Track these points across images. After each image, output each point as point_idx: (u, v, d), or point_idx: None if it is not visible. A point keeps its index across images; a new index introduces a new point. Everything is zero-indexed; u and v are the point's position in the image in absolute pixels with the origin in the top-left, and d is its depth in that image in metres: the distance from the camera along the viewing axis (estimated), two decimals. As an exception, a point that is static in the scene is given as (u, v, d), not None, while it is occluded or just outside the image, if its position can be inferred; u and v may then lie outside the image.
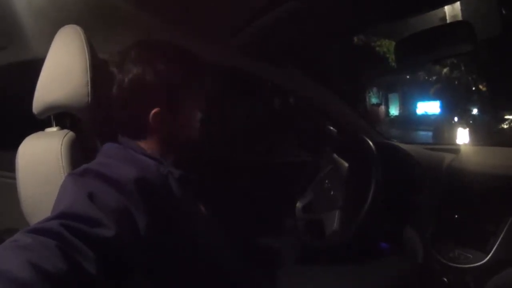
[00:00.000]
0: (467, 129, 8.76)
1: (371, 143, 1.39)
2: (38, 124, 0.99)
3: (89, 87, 0.92)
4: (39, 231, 0.61)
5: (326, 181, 1.50)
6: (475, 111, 10.64)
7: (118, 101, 0.94)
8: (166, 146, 0.99)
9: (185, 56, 0.99)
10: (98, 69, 0.96)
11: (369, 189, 1.29)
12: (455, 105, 10.68)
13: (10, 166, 0.95)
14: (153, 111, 0.93)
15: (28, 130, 0.98)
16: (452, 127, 9.42)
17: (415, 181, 1.61)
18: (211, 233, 1.03)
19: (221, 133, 1.77)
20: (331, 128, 1.74)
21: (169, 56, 0.96)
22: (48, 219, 0.66)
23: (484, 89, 10.45)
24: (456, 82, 10.93)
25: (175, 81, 0.95)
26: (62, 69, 0.94)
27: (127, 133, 0.98)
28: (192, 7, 1.18)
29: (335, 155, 1.50)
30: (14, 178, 0.92)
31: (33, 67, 0.98)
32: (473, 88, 10.70)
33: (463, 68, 10.69)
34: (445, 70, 11.10)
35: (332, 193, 1.43)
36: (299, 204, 1.56)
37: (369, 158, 1.36)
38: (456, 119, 10.15)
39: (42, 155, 0.90)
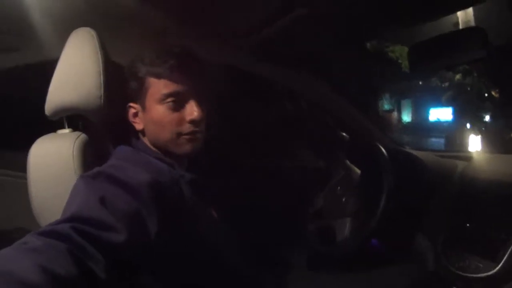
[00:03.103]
0: (479, 136, 8.67)
1: (383, 150, 1.38)
2: (50, 125, 1.00)
3: (102, 90, 0.92)
4: (50, 233, 0.61)
5: (338, 188, 1.50)
6: (487, 117, 10.52)
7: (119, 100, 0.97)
8: (153, 145, 0.99)
9: (171, 55, 0.94)
10: (111, 72, 0.96)
11: (381, 196, 1.28)
12: (468, 111, 10.57)
13: (21, 166, 0.95)
14: (127, 105, 0.97)
15: (40, 131, 0.98)
16: (465, 134, 9.32)
17: (427, 189, 1.60)
18: (220, 237, 1.03)
19: (233, 136, 1.77)
20: (344, 134, 1.73)
21: (153, 54, 0.95)
22: (58, 222, 0.66)
23: (496, 95, 10.33)
24: (468, 88, 10.83)
25: (143, 78, 0.94)
26: (75, 72, 0.94)
27: (132, 132, 1.00)
28: (205, 9, 1.18)
29: (347, 162, 1.49)
30: (25, 178, 0.93)
31: (46, 69, 0.99)
32: (486, 95, 10.58)
33: (475, 74, 10.58)
34: (457, 76, 11.00)
35: (344, 199, 1.42)
36: (310, 210, 1.56)
37: (381, 165, 1.35)
38: (468, 125, 10.06)
39: (54, 157, 0.91)
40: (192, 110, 0.94)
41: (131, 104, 0.97)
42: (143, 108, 0.95)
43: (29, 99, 1.21)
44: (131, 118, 0.98)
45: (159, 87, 0.92)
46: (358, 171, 1.44)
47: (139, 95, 0.95)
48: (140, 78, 0.94)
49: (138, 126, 0.98)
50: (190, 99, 0.95)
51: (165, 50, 0.96)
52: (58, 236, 0.61)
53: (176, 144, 0.96)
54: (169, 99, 0.92)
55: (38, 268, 0.53)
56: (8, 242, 0.60)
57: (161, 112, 0.93)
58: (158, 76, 0.92)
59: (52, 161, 0.91)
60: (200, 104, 0.95)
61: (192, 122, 0.94)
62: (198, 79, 0.96)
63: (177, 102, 0.93)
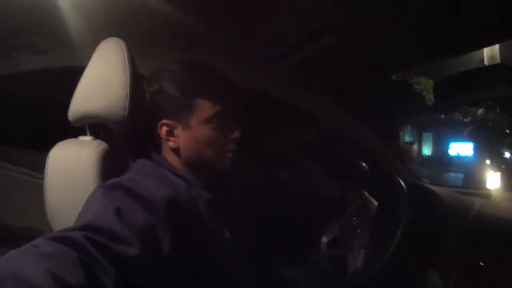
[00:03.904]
0: (498, 173, 8.50)
1: (402, 183, 1.37)
2: (71, 130, 1.00)
3: (128, 101, 0.91)
4: (62, 239, 0.60)
5: (354, 218, 1.48)
6: (507, 154, 10.32)
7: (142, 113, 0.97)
8: (185, 163, 0.99)
9: (212, 75, 0.99)
10: (138, 85, 0.96)
11: (397, 229, 1.27)
12: (488, 147, 10.39)
13: (39, 167, 0.95)
14: (161, 122, 0.96)
15: (61, 135, 0.99)
16: (484, 170, 9.15)
17: (443, 225, 1.58)
18: (233, 258, 1.02)
19: (252, 159, 1.77)
20: (364, 164, 1.72)
21: (193, 73, 0.97)
22: (72, 229, 0.65)
23: (517, 131, 10.13)
24: (490, 124, 10.67)
25: (190, 98, 0.95)
26: (102, 81, 0.94)
27: (152, 146, 1.00)
28: (234, 29, 1.19)
29: (365, 193, 1.48)
30: (40, 179, 0.93)
31: (71, 75, 1.00)
32: (507, 131, 10.39)
33: (498, 109, 10.42)
34: (480, 111, 10.85)
35: (359, 231, 1.41)
36: (324, 239, 1.54)
37: (399, 198, 1.34)
38: (488, 162, 9.88)
39: (73, 163, 0.91)
40: (233, 129, 0.99)
41: (166, 122, 0.96)
42: (185, 127, 0.96)
43: (52, 102, 1.23)
44: (164, 136, 0.97)
45: (206, 107, 0.95)
46: (376, 202, 1.42)
47: (178, 113, 0.96)
48: (180, 97, 0.95)
49: (173, 144, 0.97)
50: (230, 119, 0.99)
51: (197, 67, 0.99)
52: (71, 243, 0.60)
53: (216, 161, 1.00)
54: (214, 119, 0.95)
55: (47, 274, 0.52)
56: (19, 239, 0.60)
57: (207, 131, 0.96)
58: (204, 96, 0.95)
59: (71, 167, 0.91)
60: (236, 123, 1.00)
61: (234, 140, 0.99)
62: (234, 99, 1.00)
63: (221, 121, 0.97)
